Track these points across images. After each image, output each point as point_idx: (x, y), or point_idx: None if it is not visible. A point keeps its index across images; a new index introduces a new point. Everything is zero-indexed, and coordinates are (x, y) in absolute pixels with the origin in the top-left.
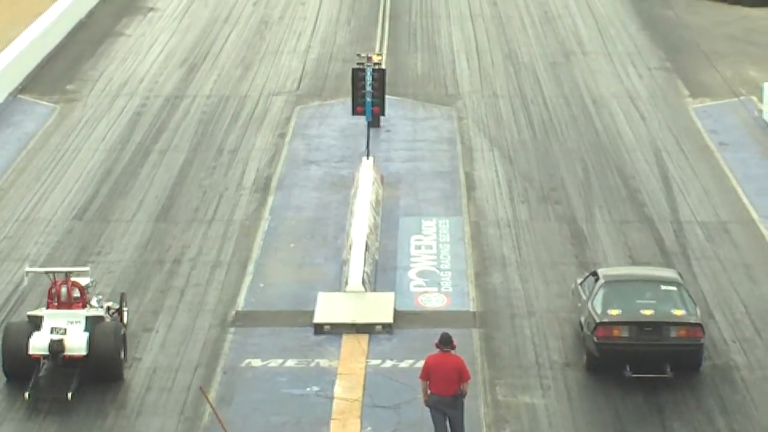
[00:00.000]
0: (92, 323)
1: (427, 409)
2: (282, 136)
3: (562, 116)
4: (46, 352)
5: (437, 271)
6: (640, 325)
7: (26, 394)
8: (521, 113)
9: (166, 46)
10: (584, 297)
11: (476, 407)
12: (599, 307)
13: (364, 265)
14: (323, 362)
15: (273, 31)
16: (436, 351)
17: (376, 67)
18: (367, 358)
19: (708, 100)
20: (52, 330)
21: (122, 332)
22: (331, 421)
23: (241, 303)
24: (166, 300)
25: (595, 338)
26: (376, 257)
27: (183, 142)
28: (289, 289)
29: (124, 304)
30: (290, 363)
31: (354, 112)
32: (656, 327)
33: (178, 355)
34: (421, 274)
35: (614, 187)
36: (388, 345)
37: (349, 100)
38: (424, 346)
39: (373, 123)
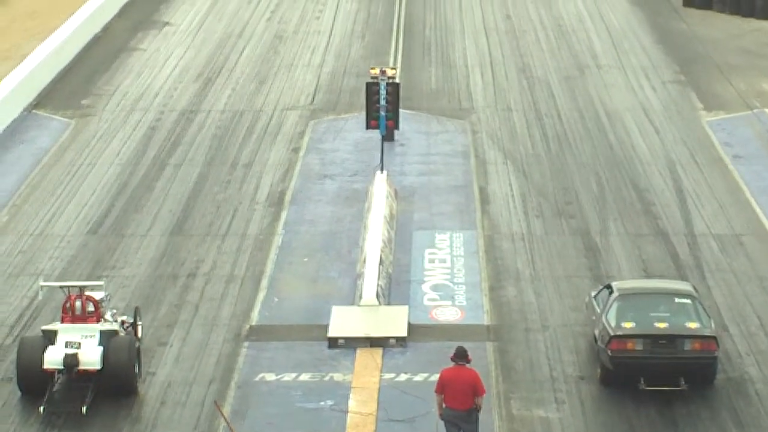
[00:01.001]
0: (106, 337)
1: (442, 423)
2: (296, 150)
3: (576, 130)
4: (61, 367)
5: (451, 284)
6: (654, 338)
7: (41, 408)
8: (535, 127)
9: (181, 60)
10: (598, 310)
11: (491, 421)
12: (613, 320)
13: (378, 279)
14: (337, 376)
15: (287, 45)
16: (451, 364)
17: (390, 81)
18: (381, 371)
19: (722, 113)
20: (67, 344)
21: (136, 346)
22: None
23: (255, 317)
24: (180, 314)
25: (609, 351)
26: (390, 271)
27: (197, 156)
28: (303, 303)
29: (139, 318)
30: (304, 377)
31: (368, 126)
32: (670, 340)
33: (192, 369)
34: (435, 287)
35: (628, 201)
36: (402, 359)
37: (363, 114)
38: (438, 360)
39: (387, 137)
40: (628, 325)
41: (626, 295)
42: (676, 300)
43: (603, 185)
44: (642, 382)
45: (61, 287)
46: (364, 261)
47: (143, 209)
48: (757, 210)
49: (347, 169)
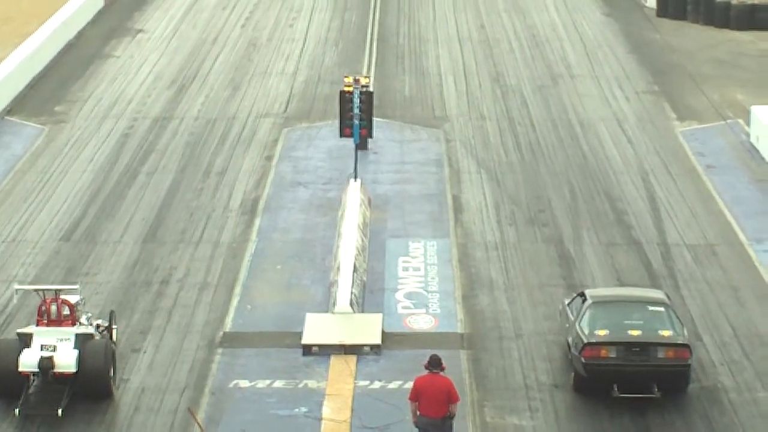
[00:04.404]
0: (82, 341)
1: (416, 430)
2: (269, 158)
3: (549, 139)
4: (36, 369)
5: (425, 292)
6: (628, 346)
7: (16, 411)
8: (509, 136)
9: (155, 67)
10: (572, 318)
11: (465, 428)
12: (587, 327)
13: (352, 287)
14: (311, 383)
15: (261, 53)
16: (425, 372)
17: (364, 89)
18: (356, 379)
19: (695, 123)
20: (42, 347)
21: (112, 350)
22: None
23: (228, 324)
24: (153, 321)
25: (582, 358)
26: (364, 279)
27: (171, 163)
28: (277, 310)
29: (114, 322)
30: (278, 384)
31: (341, 135)
32: (644, 348)
33: (165, 375)
34: (408, 295)
35: (602, 210)
36: (376, 366)
37: (336, 122)
38: (412, 367)
39: (361, 145)
40: (602, 332)
41: (600, 303)
42: (650, 308)
43: (576, 194)
44: (615, 389)
45: (36, 291)
46: (338, 269)
47: (116, 216)
48: (730, 220)
49: (321, 177)
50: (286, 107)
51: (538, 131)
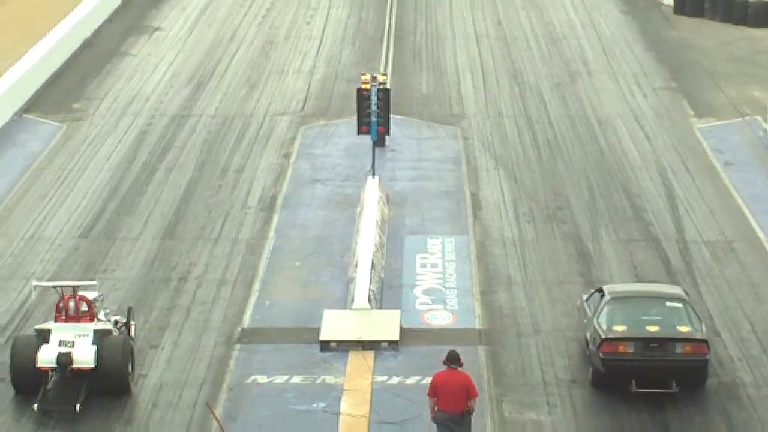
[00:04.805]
0: (100, 336)
1: (434, 425)
2: (287, 155)
3: (567, 136)
4: (54, 365)
5: (443, 288)
6: (646, 341)
7: (35, 406)
8: (526, 133)
9: (172, 65)
10: (589, 313)
11: (483, 424)
12: (605, 323)
13: (370, 283)
14: (329, 379)
15: (278, 50)
16: (443, 368)
17: (381, 86)
18: (374, 374)
19: (713, 119)
20: (60, 343)
21: (130, 346)
22: None
23: (246, 320)
24: (172, 317)
25: (600, 354)
26: (382, 275)
27: (189, 160)
28: (295, 306)
29: (132, 318)
30: (296, 379)
31: (359, 132)
32: (661, 343)
33: (184, 371)
34: (426, 291)
35: (620, 207)
36: (394, 362)
37: (354, 120)
38: (430, 363)
39: (378, 142)
40: (620, 328)
41: (618, 299)
42: (668, 304)
43: (594, 191)
44: (633, 384)
45: (54, 287)
46: (356, 265)
47: (134, 213)
48: (749, 216)
49: (338, 174)
50: (304, 105)
51: (556, 128)
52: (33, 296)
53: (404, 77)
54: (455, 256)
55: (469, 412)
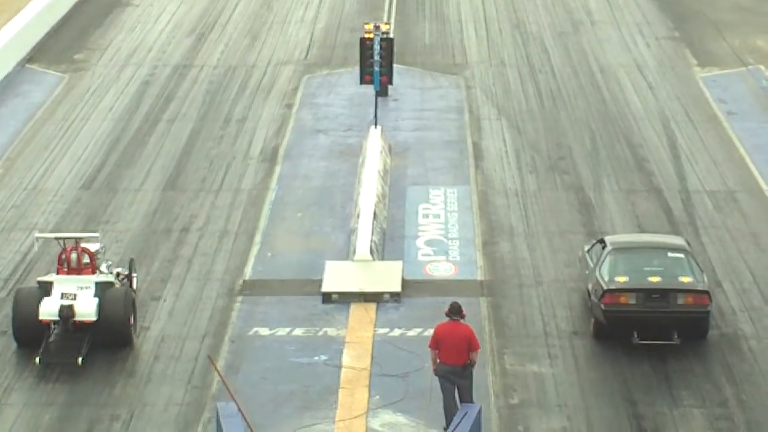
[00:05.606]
0: (102, 289)
1: (435, 378)
2: (289, 105)
3: (569, 86)
4: (56, 318)
5: (445, 240)
6: (648, 292)
7: (37, 359)
8: (529, 83)
9: (174, 16)
10: (591, 264)
11: (484, 376)
12: (606, 274)
13: (372, 234)
14: (331, 331)
15: (280, 0)
16: (445, 320)
17: (384, 36)
18: (375, 326)
19: (716, 69)
20: (62, 295)
21: (132, 298)
22: (340, 389)
23: (248, 272)
24: (173, 269)
25: (602, 305)
26: (384, 226)
27: (191, 111)
28: (297, 258)
29: (134, 270)
30: (298, 332)
31: (362, 81)
32: (663, 294)
33: (185, 323)
34: (429, 242)
35: (622, 157)
36: (396, 314)
37: (356, 70)
38: (432, 315)
39: (381, 92)
40: (622, 279)
41: (619, 250)
42: (669, 254)
43: (596, 141)
44: (635, 335)
45: (56, 239)
46: (358, 216)
47: (136, 164)
48: (751, 166)
49: (341, 124)
50: (306, 54)
51: (559, 78)
52: (35, 248)
53: (407, 27)
54: (457, 206)
55: (471, 364)
